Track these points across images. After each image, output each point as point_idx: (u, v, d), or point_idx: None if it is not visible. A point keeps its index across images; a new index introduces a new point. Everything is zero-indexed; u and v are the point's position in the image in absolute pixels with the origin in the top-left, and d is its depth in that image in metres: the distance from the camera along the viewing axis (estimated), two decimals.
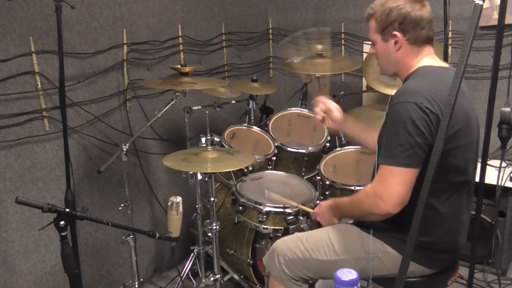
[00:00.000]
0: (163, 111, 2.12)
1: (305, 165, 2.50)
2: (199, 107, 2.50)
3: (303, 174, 2.51)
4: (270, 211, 2.00)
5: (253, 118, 2.84)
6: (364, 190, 1.46)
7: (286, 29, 3.44)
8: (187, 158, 1.95)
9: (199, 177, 2.24)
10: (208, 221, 2.13)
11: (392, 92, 2.37)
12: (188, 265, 2.51)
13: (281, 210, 2.00)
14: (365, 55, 2.97)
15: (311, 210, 1.85)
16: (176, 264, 2.73)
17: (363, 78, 3.08)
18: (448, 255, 1.54)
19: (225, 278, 2.42)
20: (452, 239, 1.52)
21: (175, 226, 1.87)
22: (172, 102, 2.13)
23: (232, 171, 2.36)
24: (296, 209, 2.00)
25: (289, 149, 2.49)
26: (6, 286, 2.06)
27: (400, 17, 1.46)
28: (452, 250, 1.54)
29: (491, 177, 2.22)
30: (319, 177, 2.33)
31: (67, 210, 1.45)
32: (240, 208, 2.08)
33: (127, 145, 2.11)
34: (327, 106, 1.86)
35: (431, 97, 1.34)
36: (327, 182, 2.24)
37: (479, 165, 1.68)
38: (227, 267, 2.51)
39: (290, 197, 2.04)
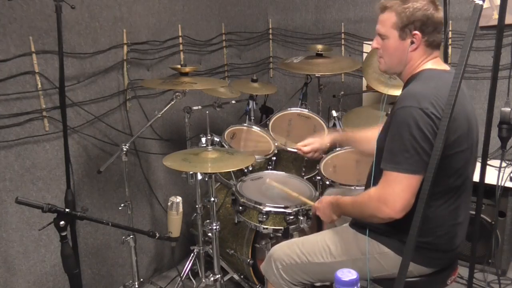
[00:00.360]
0: (163, 111, 2.12)
1: (305, 165, 2.50)
2: (199, 107, 2.50)
3: (303, 174, 2.51)
4: (270, 211, 2.00)
5: (253, 118, 2.84)
6: (368, 193, 1.45)
7: (286, 29, 3.44)
8: (187, 158, 1.95)
9: (199, 177, 2.24)
10: (208, 221, 2.13)
11: (391, 92, 2.38)
12: (188, 265, 2.51)
13: (281, 210, 2.00)
14: (365, 55, 2.97)
15: (312, 203, 1.85)
16: (176, 264, 2.73)
17: (363, 78, 3.08)
18: (445, 254, 1.55)
19: (225, 278, 2.42)
20: (449, 239, 1.52)
21: (175, 226, 1.87)
22: (172, 102, 2.13)
23: (232, 171, 2.36)
24: (296, 208, 2.00)
25: (289, 149, 2.49)
26: (6, 286, 2.06)
27: (425, 18, 1.42)
28: (450, 250, 1.54)
29: (491, 177, 2.22)
30: (319, 177, 2.33)
31: (67, 210, 1.45)
32: (240, 208, 2.08)
33: (127, 145, 2.11)
34: (312, 148, 1.92)
35: (436, 102, 1.33)
36: (327, 182, 2.24)
37: (479, 165, 1.68)
38: (227, 267, 2.51)
39: (291, 195, 2.04)
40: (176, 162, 1.91)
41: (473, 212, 1.71)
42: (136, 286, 2.29)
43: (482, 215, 2.44)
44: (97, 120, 2.35)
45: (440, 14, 1.46)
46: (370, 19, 3.06)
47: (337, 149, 2.47)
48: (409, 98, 1.37)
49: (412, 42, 1.46)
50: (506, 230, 2.48)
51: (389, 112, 1.54)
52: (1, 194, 2.02)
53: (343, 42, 3.20)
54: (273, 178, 2.21)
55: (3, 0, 1.91)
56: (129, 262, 2.35)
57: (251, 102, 2.83)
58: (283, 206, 2.01)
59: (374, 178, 1.48)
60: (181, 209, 1.86)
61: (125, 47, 2.43)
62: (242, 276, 2.47)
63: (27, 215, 2.10)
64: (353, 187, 2.14)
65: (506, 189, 2.39)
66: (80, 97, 2.28)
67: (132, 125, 2.53)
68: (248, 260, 2.28)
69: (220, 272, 2.18)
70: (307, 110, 2.73)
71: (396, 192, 1.35)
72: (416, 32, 1.44)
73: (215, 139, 2.41)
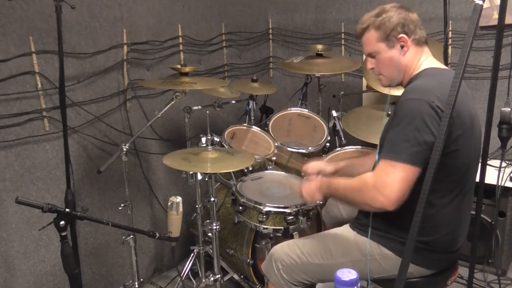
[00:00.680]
0: (163, 111, 2.12)
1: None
2: (199, 107, 2.50)
3: (303, 174, 2.50)
4: (270, 211, 2.00)
5: (253, 118, 2.84)
6: (364, 179, 1.41)
7: (286, 29, 3.44)
8: (187, 158, 1.95)
9: (199, 177, 2.24)
10: (208, 221, 2.13)
11: (393, 92, 2.38)
12: (188, 265, 2.51)
13: (281, 210, 2.00)
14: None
15: (303, 172, 1.85)
16: (176, 264, 2.73)
17: (363, 78, 3.08)
18: (446, 255, 1.54)
19: (225, 278, 2.42)
20: (451, 239, 1.51)
21: (175, 226, 1.87)
22: (172, 102, 2.13)
23: (232, 171, 2.36)
24: (296, 208, 1.99)
25: (289, 149, 2.49)
26: (6, 286, 2.06)
27: (402, 20, 1.48)
28: (451, 250, 1.54)
29: (491, 177, 2.22)
30: None
31: (67, 210, 1.45)
32: (240, 208, 2.08)
33: (127, 145, 2.11)
34: (317, 169, 1.86)
35: (441, 95, 1.33)
36: None
37: (479, 165, 1.68)
38: (227, 267, 2.51)
39: (290, 197, 2.04)
40: (176, 162, 1.91)
41: (473, 212, 1.71)
42: (136, 286, 2.29)
43: (482, 215, 2.44)
44: (97, 120, 2.35)
45: (413, 15, 1.52)
46: None
47: (337, 149, 2.47)
48: (415, 91, 1.39)
49: (402, 47, 1.50)
50: (506, 230, 2.48)
51: (390, 113, 1.55)
52: (1, 194, 2.02)
53: (343, 42, 3.20)
54: (271, 180, 2.21)
55: (3, 0, 1.91)
56: (129, 262, 2.35)
57: (251, 102, 2.83)
58: (283, 206, 2.01)
59: None
60: (181, 209, 1.86)
61: (125, 47, 2.43)
62: (242, 276, 2.47)
63: (27, 215, 2.10)
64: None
65: (506, 189, 2.39)
66: (80, 97, 2.28)
67: (132, 125, 2.53)
68: (248, 260, 2.28)
69: (220, 272, 2.18)
70: (307, 110, 2.73)
71: (392, 181, 1.32)
72: (402, 35, 1.49)
73: (215, 139, 2.41)
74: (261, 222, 2.00)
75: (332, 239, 1.63)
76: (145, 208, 2.70)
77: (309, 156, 2.48)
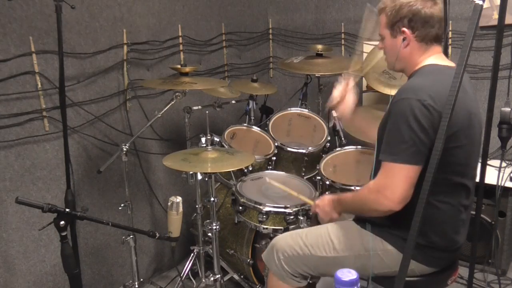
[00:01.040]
0: (163, 111, 2.12)
1: (305, 165, 2.50)
2: (199, 107, 2.50)
3: (303, 174, 2.51)
4: (270, 211, 2.00)
5: (253, 118, 2.84)
6: (367, 186, 1.46)
7: (286, 29, 3.44)
8: (187, 158, 1.95)
9: (199, 177, 2.24)
10: (208, 221, 2.13)
11: (392, 92, 2.38)
12: (188, 265, 2.51)
13: (281, 210, 2.00)
14: (365, 55, 2.96)
15: (311, 202, 1.85)
16: (176, 264, 2.73)
17: (363, 78, 3.08)
18: (447, 254, 1.54)
19: (225, 278, 2.42)
20: (451, 238, 1.52)
21: (175, 226, 1.87)
22: (172, 102, 2.13)
23: (232, 171, 2.36)
24: (296, 208, 2.00)
25: (289, 149, 2.49)
26: (6, 286, 2.06)
27: (410, 14, 1.46)
28: (451, 249, 1.54)
29: (491, 177, 2.22)
30: (319, 177, 2.33)
31: (67, 210, 1.45)
32: (240, 208, 2.08)
33: (127, 145, 2.11)
34: (346, 96, 1.79)
35: (435, 94, 1.34)
36: (327, 182, 2.24)
37: (479, 165, 1.68)
38: (227, 267, 2.51)
39: (290, 197, 2.04)
40: (176, 162, 1.91)
41: (473, 212, 1.71)
42: (136, 286, 2.29)
43: (482, 215, 2.44)
44: (97, 120, 2.35)
45: (430, 9, 1.46)
46: None
47: (337, 149, 2.47)
48: (407, 90, 1.40)
49: (404, 39, 1.50)
50: (506, 230, 2.48)
51: (387, 110, 1.55)
52: (1, 194, 2.02)
53: (343, 42, 3.20)
54: (273, 178, 2.21)
55: (3, 0, 1.91)
56: (129, 262, 2.35)
57: (251, 102, 2.84)
58: (283, 206, 2.01)
59: (375, 170, 1.49)
60: (181, 209, 1.86)
61: (125, 47, 2.43)
62: (242, 276, 2.47)
63: (27, 215, 2.10)
64: (353, 187, 2.14)
65: (506, 189, 2.39)
66: (80, 97, 2.28)
67: (132, 125, 2.53)
68: (248, 260, 2.28)
69: (220, 272, 2.18)
70: (307, 110, 2.73)
71: (395, 183, 1.35)
72: (404, 28, 1.48)
73: (215, 139, 2.41)
74: (261, 222, 2.01)
75: (335, 232, 1.62)
76: (145, 208, 2.70)
77: (309, 156, 2.48)
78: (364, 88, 3.14)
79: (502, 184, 2.33)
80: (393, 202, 1.36)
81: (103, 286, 2.50)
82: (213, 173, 2.10)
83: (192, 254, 2.50)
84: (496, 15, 2.52)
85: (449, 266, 1.60)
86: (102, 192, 2.44)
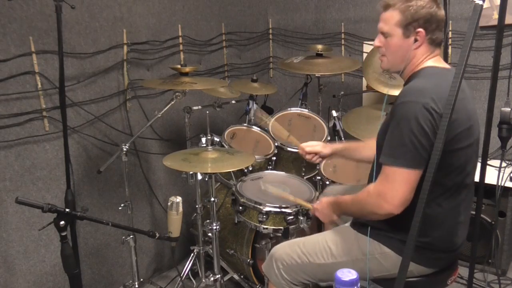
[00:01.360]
0: (163, 111, 2.12)
1: (305, 165, 2.50)
2: (199, 107, 2.51)
3: (303, 174, 2.51)
4: (270, 211, 2.00)
5: (253, 118, 2.84)
6: (367, 189, 1.46)
7: (286, 29, 3.44)
8: (187, 158, 1.95)
9: (199, 177, 2.24)
10: (208, 221, 2.13)
11: (391, 92, 2.38)
12: (188, 265, 2.51)
13: (281, 210, 2.00)
14: (365, 55, 2.97)
15: (309, 206, 1.85)
16: (176, 264, 2.73)
17: (363, 78, 3.08)
18: (446, 254, 1.54)
19: (225, 278, 2.42)
20: (450, 239, 1.52)
21: (175, 226, 1.87)
22: (172, 102, 2.13)
23: (232, 171, 2.36)
24: (296, 208, 2.00)
25: (289, 149, 2.49)
26: (6, 286, 2.06)
27: (428, 15, 1.43)
28: (451, 250, 1.54)
29: (491, 177, 2.22)
30: (319, 177, 2.34)
31: (67, 210, 1.45)
32: (240, 208, 2.08)
33: (127, 145, 2.11)
34: (314, 150, 1.92)
35: (437, 97, 1.33)
36: (327, 182, 2.24)
37: (479, 165, 1.68)
38: (227, 267, 2.51)
39: (288, 199, 2.04)
40: (176, 162, 1.91)
41: (473, 212, 1.71)
42: (136, 286, 2.30)
43: (482, 215, 2.44)
44: (97, 120, 2.35)
45: (442, 12, 1.47)
46: (370, 19, 3.06)
47: None
48: (410, 93, 1.38)
49: (415, 40, 1.46)
50: (506, 230, 2.48)
51: (389, 112, 1.55)
52: (1, 194, 2.02)
53: (343, 42, 3.20)
54: (271, 180, 2.21)
55: (3, 0, 1.91)
56: (129, 262, 2.35)
57: (251, 102, 2.83)
58: (283, 206, 2.00)
59: (375, 173, 1.49)
60: (181, 209, 1.86)
61: (125, 47, 2.43)
62: (242, 276, 2.47)
63: (27, 215, 2.11)
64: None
65: (506, 189, 2.39)
66: (80, 97, 2.28)
67: (132, 125, 2.53)
68: (248, 260, 2.28)
69: (220, 272, 2.19)
70: (307, 110, 2.73)
71: (395, 187, 1.35)
72: (420, 29, 1.45)
73: (215, 139, 2.41)
74: (261, 222, 2.00)
75: (332, 238, 1.63)
76: (145, 208, 2.70)
77: None
78: (364, 88, 3.14)
79: (502, 184, 2.33)
80: (393, 206, 1.36)
81: (103, 286, 2.50)
82: (213, 173, 2.10)
83: (192, 254, 2.50)
84: (496, 15, 2.52)
85: (449, 266, 1.60)
86: (102, 192, 2.44)
